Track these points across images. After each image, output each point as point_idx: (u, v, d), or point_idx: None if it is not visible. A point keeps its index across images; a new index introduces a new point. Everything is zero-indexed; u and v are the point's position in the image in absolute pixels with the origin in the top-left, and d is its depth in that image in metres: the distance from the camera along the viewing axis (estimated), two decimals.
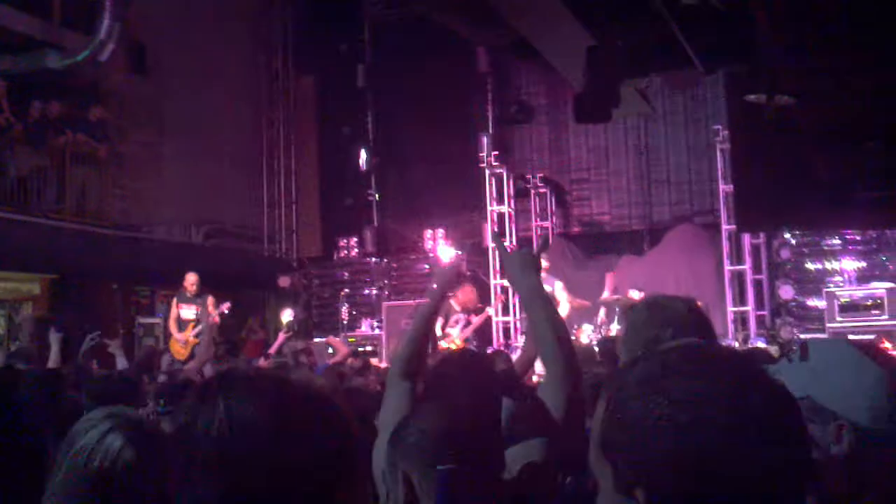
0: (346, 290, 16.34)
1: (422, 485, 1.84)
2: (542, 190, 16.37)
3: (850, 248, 13.27)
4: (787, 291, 13.41)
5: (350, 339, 14.32)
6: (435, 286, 3.11)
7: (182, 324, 11.80)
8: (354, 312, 16.17)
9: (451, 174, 16.03)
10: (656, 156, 15.87)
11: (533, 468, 2.31)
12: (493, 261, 15.19)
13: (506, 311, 15.00)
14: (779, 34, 7.17)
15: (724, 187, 13.56)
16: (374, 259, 16.78)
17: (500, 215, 15.67)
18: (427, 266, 16.25)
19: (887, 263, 13.01)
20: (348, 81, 16.94)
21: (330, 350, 12.08)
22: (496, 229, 15.04)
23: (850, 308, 12.21)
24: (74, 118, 13.42)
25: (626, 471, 1.18)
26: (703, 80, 12.43)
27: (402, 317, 14.16)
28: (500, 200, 15.68)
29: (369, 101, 17.20)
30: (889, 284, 12.26)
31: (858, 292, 12.37)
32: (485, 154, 15.63)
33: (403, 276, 16.51)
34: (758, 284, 13.79)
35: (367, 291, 16.62)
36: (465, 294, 12.38)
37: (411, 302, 14.58)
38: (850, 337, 11.37)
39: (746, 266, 13.72)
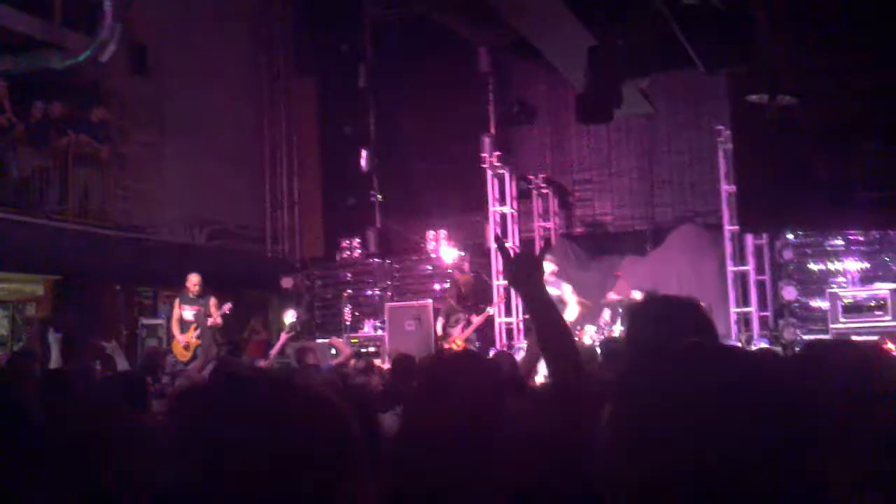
0: (349, 291, 16.33)
1: None
2: (544, 190, 16.36)
3: (854, 248, 13.25)
4: (790, 292, 13.39)
5: (353, 340, 14.32)
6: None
7: (184, 325, 11.82)
8: (357, 313, 16.17)
9: (453, 175, 16.03)
10: (659, 156, 15.86)
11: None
12: (496, 261, 15.19)
13: (508, 312, 14.99)
14: (779, 34, 7.18)
15: (726, 188, 13.55)
16: (376, 260, 16.78)
17: (503, 216, 15.67)
18: (430, 267, 16.26)
19: (890, 264, 12.98)
20: (350, 82, 16.95)
21: (333, 351, 12.10)
22: (498, 232, 15.04)
23: (854, 309, 12.20)
24: (76, 119, 13.43)
25: (636, 476, 1.18)
26: (705, 80, 12.43)
27: (404, 318, 14.19)
28: (503, 201, 15.68)
29: (371, 101, 17.20)
30: (892, 285, 12.25)
31: (862, 293, 12.35)
32: (487, 154, 15.62)
33: (406, 276, 16.50)
34: (761, 285, 13.78)
35: (369, 292, 16.62)
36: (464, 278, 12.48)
37: (414, 303, 14.60)
38: (854, 338, 11.37)
39: (749, 267, 13.71)
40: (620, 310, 12.35)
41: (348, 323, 15.94)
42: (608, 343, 7.99)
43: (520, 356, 10.94)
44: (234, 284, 14.36)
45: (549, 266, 11.19)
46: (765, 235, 13.67)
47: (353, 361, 9.70)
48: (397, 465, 2.03)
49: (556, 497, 1.95)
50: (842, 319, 12.21)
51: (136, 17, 13.38)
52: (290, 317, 14.28)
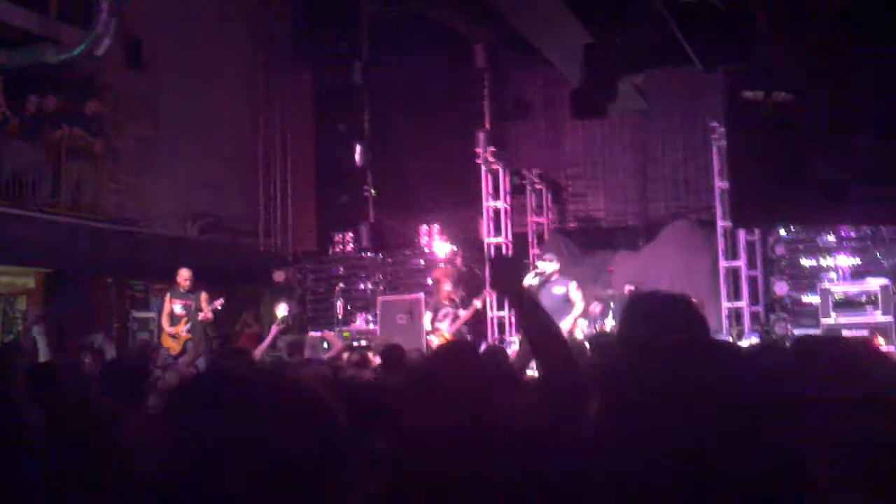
0: (341, 285, 16.32)
1: None
2: (538, 186, 16.38)
3: (845, 244, 13.29)
4: (781, 287, 13.43)
5: (344, 334, 14.31)
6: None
7: (175, 319, 11.81)
8: (349, 307, 16.16)
9: (447, 170, 16.03)
10: (652, 152, 15.88)
11: None
12: (489, 256, 15.19)
13: (500, 306, 15.00)
14: (777, 32, 7.19)
15: (719, 183, 13.58)
16: (369, 254, 16.77)
17: (496, 211, 15.68)
18: (422, 261, 16.25)
19: (881, 260, 13.03)
20: (345, 78, 16.93)
21: (325, 345, 12.10)
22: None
23: (845, 304, 12.23)
24: (70, 112, 13.39)
25: (621, 470, 1.18)
26: (699, 76, 12.44)
27: (396, 311, 14.18)
28: (496, 196, 15.69)
29: (366, 97, 17.19)
30: (883, 281, 12.29)
31: (853, 288, 12.39)
32: (481, 150, 15.62)
33: (398, 271, 16.50)
34: (752, 280, 13.82)
35: (361, 286, 16.61)
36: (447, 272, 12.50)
37: (405, 296, 14.59)
38: (844, 333, 11.41)
39: (741, 262, 13.74)
40: (612, 304, 12.39)
41: (340, 317, 15.93)
42: (598, 337, 8.01)
43: (511, 349, 10.97)
44: (226, 278, 14.35)
45: (552, 265, 11.21)
46: (757, 231, 13.70)
47: (346, 355, 9.69)
48: (391, 461, 2.03)
49: (551, 490, 1.96)
50: (832, 314, 12.24)
51: (132, 11, 13.35)
52: (282, 310, 14.28)
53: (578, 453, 1.38)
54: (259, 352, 9.63)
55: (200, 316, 11.75)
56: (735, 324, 13.62)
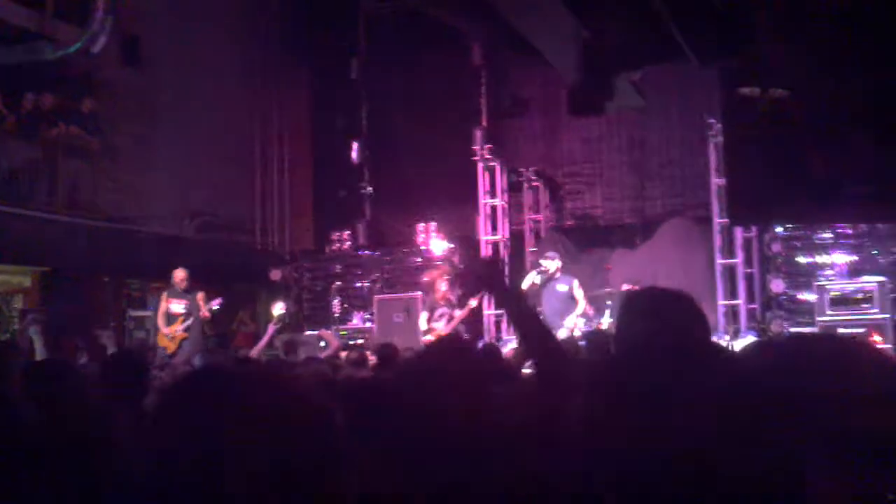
0: (338, 283, 16.31)
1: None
2: (535, 183, 16.38)
3: (842, 242, 13.30)
4: (777, 285, 13.44)
5: (342, 333, 14.31)
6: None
7: (171, 318, 11.79)
8: (346, 305, 16.16)
9: (444, 167, 16.02)
10: (649, 149, 15.88)
11: None
12: (485, 253, 15.20)
13: (498, 305, 15.00)
14: (775, 30, 7.19)
15: (716, 181, 13.58)
16: (366, 252, 16.77)
17: (493, 208, 15.68)
18: (420, 259, 16.25)
19: (878, 257, 13.04)
20: (342, 74, 16.92)
21: (322, 343, 12.09)
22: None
23: (841, 302, 12.24)
24: (67, 110, 13.38)
25: (615, 476, 1.18)
26: (696, 73, 12.45)
27: (393, 310, 14.17)
28: (493, 194, 15.70)
29: (363, 94, 17.19)
30: (880, 278, 12.30)
31: (849, 286, 12.40)
32: (478, 147, 15.62)
33: (396, 269, 16.49)
34: (749, 278, 13.82)
35: (358, 284, 16.60)
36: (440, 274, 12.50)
37: (402, 295, 14.58)
38: (840, 331, 11.43)
39: (738, 259, 13.75)
40: (608, 302, 12.39)
41: (337, 315, 15.93)
42: (592, 335, 8.00)
43: (507, 348, 10.97)
44: (223, 276, 14.34)
45: (555, 263, 11.23)
46: (754, 228, 13.70)
47: (344, 353, 9.69)
48: (387, 458, 2.03)
49: (547, 488, 1.96)
50: (829, 312, 12.25)
51: (128, 8, 13.34)
52: (278, 309, 14.25)
53: (572, 451, 1.37)
54: (256, 351, 9.63)
55: (198, 313, 11.75)
56: (732, 321, 13.62)
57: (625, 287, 11.89)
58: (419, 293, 14.20)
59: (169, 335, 11.70)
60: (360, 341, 14.00)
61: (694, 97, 14.38)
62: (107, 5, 12.26)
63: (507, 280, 2.92)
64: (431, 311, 12.08)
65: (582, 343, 7.90)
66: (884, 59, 6.88)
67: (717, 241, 13.81)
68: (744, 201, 10.20)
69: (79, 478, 2.29)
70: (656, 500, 1.15)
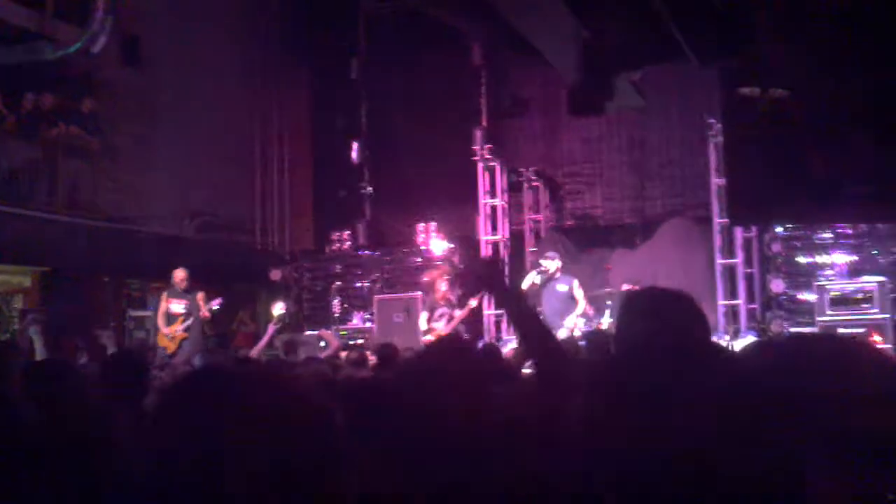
0: (338, 283, 16.32)
1: None
2: (535, 183, 16.38)
3: (842, 242, 13.30)
4: (777, 285, 13.44)
5: (342, 333, 14.31)
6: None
7: (171, 318, 11.79)
8: (346, 305, 16.16)
9: (444, 167, 16.02)
10: (649, 149, 15.88)
11: None
12: (485, 253, 15.20)
13: (498, 305, 15.02)
14: (776, 30, 7.19)
15: (716, 181, 13.58)
16: (366, 252, 16.78)
17: (493, 208, 15.68)
18: (420, 259, 16.25)
19: (878, 258, 13.04)
20: (342, 74, 16.93)
21: (322, 343, 12.08)
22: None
23: (841, 302, 12.24)
24: (67, 110, 13.38)
25: (615, 475, 1.18)
26: (696, 73, 12.45)
27: (393, 310, 14.17)
28: (493, 194, 15.70)
29: (363, 93, 17.19)
30: (880, 278, 12.30)
31: (849, 286, 12.40)
32: (478, 147, 15.62)
33: (396, 269, 16.49)
34: (749, 278, 13.82)
35: (358, 284, 16.60)
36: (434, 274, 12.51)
37: (402, 295, 14.58)
38: (840, 331, 11.43)
39: (738, 259, 13.74)
40: (608, 302, 12.39)
41: (337, 315, 15.93)
42: (592, 335, 8.01)
43: (507, 348, 10.97)
44: (223, 276, 14.34)
45: (555, 263, 11.25)
46: (754, 228, 13.70)
47: (344, 353, 9.68)
48: (387, 458, 2.03)
49: (547, 487, 1.96)
50: (829, 312, 12.26)
51: (128, 8, 13.34)
52: (278, 309, 14.24)
53: (572, 451, 1.37)
54: (256, 351, 9.63)
55: (198, 313, 11.75)
56: (732, 321, 13.62)
57: (625, 287, 11.89)
58: (419, 293, 14.20)
59: (169, 335, 11.70)
60: (360, 341, 14.00)
61: (694, 97, 14.39)
62: (107, 5, 12.26)
63: (506, 280, 2.93)
64: (431, 311, 12.09)
65: (582, 343, 7.90)
66: (884, 59, 6.88)
67: (717, 241, 13.81)
68: (744, 201, 10.20)
69: (79, 478, 2.29)
70: (656, 500, 1.15)
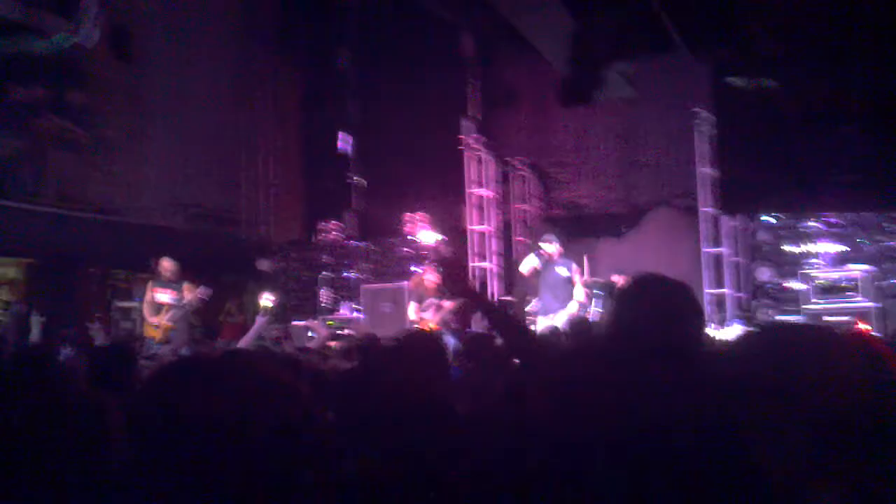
0: (326, 273, 16.31)
1: None
2: (523, 173, 16.39)
3: (828, 230, 13.37)
4: (764, 273, 13.50)
5: (329, 322, 14.31)
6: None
7: (157, 308, 11.76)
8: (334, 295, 16.16)
9: (432, 157, 16.00)
10: (636, 139, 15.90)
11: None
12: (473, 244, 15.24)
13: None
14: (764, 19, 7.23)
15: (702, 170, 13.61)
16: (354, 242, 16.78)
17: (482, 199, 15.69)
18: (406, 249, 16.26)
19: (864, 246, 13.11)
20: (331, 65, 16.89)
21: (310, 333, 12.08)
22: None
23: (827, 290, 12.32)
24: (56, 102, 13.32)
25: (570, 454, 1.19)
26: (683, 63, 12.46)
27: (380, 300, 14.18)
28: (482, 184, 15.69)
29: (352, 84, 17.15)
30: (865, 267, 12.37)
31: (835, 274, 12.47)
32: (466, 137, 15.61)
33: (384, 259, 16.50)
34: (736, 267, 13.87)
35: (346, 274, 16.60)
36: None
37: (390, 284, 14.59)
38: (826, 319, 11.50)
39: (725, 248, 13.79)
40: (595, 290, 12.41)
41: (324, 305, 15.93)
42: (574, 323, 8.03)
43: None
44: (211, 267, 14.30)
45: (553, 246, 11.28)
46: (740, 217, 13.76)
47: (332, 343, 9.69)
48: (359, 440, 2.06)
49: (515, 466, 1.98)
50: (815, 300, 12.33)
51: (118, 0, 13.26)
52: (266, 300, 14.22)
53: (535, 433, 1.39)
54: (245, 342, 9.62)
55: (185, 303, 11.73)
56: (718, 310, 13.67)
57: (614, 278, 11.92)
58: (406, 283, 14.22)
59: (155, 325, 11.67)
60: (347, 331, 14.01)
61: (680, 87, 14.39)
62: None
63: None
64: (420, 301, 12.09)
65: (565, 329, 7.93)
66: (873, 50, 6.92)
67: (704, 229, 13.85)
68: (736, 191, 10.25)
69: (67, 468, 2.29)
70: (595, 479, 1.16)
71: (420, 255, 16.02)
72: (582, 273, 11.62)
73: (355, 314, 15.05)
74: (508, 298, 15.14)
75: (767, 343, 1.70)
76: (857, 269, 12.36)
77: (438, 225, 16.14)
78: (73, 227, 12.97)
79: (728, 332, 11.70)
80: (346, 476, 1.98)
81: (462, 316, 12.96)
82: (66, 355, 8.50)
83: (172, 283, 11.78)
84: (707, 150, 13.50)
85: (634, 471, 1.14)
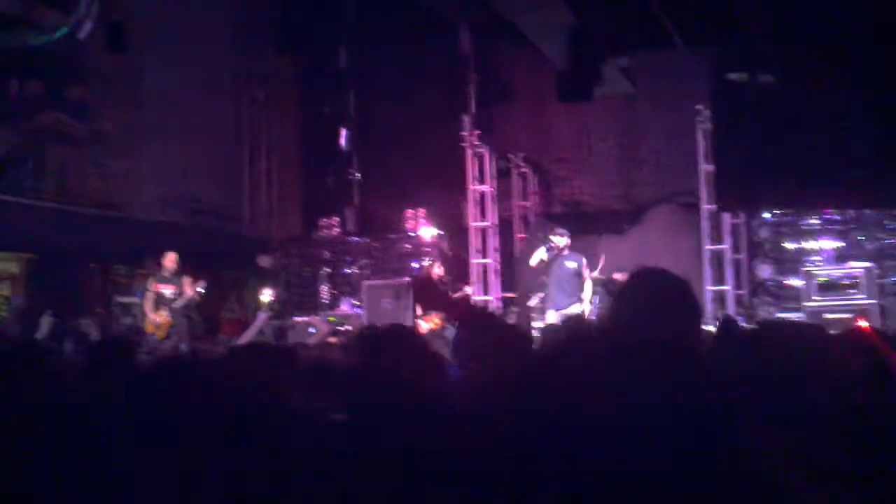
0: (327, 270, 16.32)
1: None
2: (523, 170, 16.39)
3: (829, 227, 13.36)
4: (764, 270, 13.49)
5: (330, 319, 14.31)
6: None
7: (158, 303, 11.80)
8: (335, 292, 16.17)
9: (432, 154, 15.99)
10: (638, 136, 15.88)
11: None
12: (474, 240, 15.23)
13: (486, 291, 15.08)
14: (761, 15, 7.22)
15: (704, 167, 13.60)
16: (354, 238, 16.78)
17: (482, 195, 15.67)
18: (408, 245, 16.28)
19: (865, 243, 13.10)
20: (330, 61, 16.87)
21: (311, 329, 12.10)
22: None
23: (828, 287, 12.30)
24: (54, 97, 13.32)
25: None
26: (684, 59, 12.45)
27: (381, 296, 14.18)
28: (482, 180, 15.67)
29: (351, 80, 17.14)
30: (866, 264, 12.36)
31: (836, 272, 12.45)
32: (466, 133, 15.60)
33: (384, 255, 16.50)
34: (737, 264, 13.86)
35: (347, 270, 16.61)
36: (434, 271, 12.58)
37: (391, 280, 14.59)
38: (826, 316, 11.49)
39: (726, 245, 13.78)
40: (598, 287, 12.41)
41: (325, 301, 15.94)
42: (570, 319, 8.05)
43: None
44: (211, 263, 14.32)
45: (563, 240, 11.31)
46: (742, 214, 13.75)
47: (333, 339, 9.70)
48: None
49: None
50: (816, 297, 12.30)
51: None
52: (267, 296, 14.27)
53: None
54: (246, 338, 9.64)
55: (185, 298, 11.77)
56: (719, 307, 13.66)
57: (616, 276, 11.92)
58: (408, 279, 14.23)
59: (156, 322, 11.70)
60: (348, 328, 14.01)
61: (682, 84, 14.37)
62: None
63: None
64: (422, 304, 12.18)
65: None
66: (872, 44, 6.90)
67: (705, 227, 13.84)
68: (732, 188, 10.23)
69: (59, 461, 2.29)
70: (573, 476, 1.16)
71: (420, 252, 16.03)
72: (590, 269, 11.65)
73: (356, 310, 15.05)
74: (510, 295, 15.17)
75: (765, 340, 1.70)
76: (857, 267, 12.34)
77: (439, 221, 16.15)
78: (74, 222, 12.97)
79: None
80: (346, 476, 1.98)
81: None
82: (67, 350, 8.52)
83: (173, 278, 11.83)
84: (708, 148, 13.48)
85: (628, 466, 1.13)
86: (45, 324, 7.83)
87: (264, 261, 16.52)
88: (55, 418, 2.21)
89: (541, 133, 16.68)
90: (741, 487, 1.12)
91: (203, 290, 11.97)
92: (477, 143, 15.54)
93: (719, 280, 13.77)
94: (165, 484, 1.28)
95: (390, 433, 1.96)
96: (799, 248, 13.48)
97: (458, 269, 14.75)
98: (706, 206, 13.72)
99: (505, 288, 15.38)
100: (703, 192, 13.72)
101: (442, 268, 13.59)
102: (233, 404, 1.30)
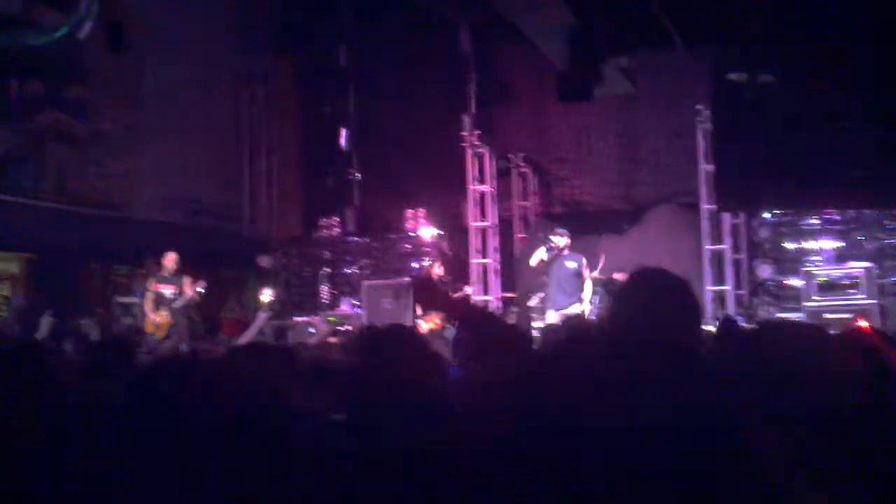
0: (327, 270, 16.32)
1: None
2: (523, 170, 16.39)
3: (829, 227, 13.35)
4: (764, 270, 13.49)
5: (330, 319, 14.31)
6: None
7: (158, 303, 11.81)
8: (335, 292, 16.17)
9: (432, 154, 15.99)
10: (638, 136, 15.88)
11: None
12: (474, 240, 15.23)
13: (486, 291, 15.08)
14: (761, 15, 7.22)
15: (704, 167, 13.60)
16: (354, 238, 16.78)
17: (482, 195, 15.67)
18: (408, 245, 16.28)
19: (865, 243, 13.09)
20: (330, 61, 16.87)
21: (311, 329, 12.10)
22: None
23: (828, 287, 12.29)
24: (54, 97, 13.32)
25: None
26: (684, 59, 12.44)
27: (381, 296, 14.18)
28: (482, 180, 15.68)
29: (350, 80, 17.14)
30: (866, 264, 12.35)
31: (836, 272, 12.44)
32: (466, 133, 15.60)
33: (384, 255, 16.50)
34: (737, 264, 13.86)
35: (347, 270, 16.61)
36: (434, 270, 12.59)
37: (391, 281, 14.59)
38: (827, 316, 11.49)
39: (726, 246, 13.78)
40: (598, 287, 12.41)
41: (325, 301, 15.93)
42: (570, 319, 8.05)
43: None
44: (211, 263, 14.32)
45: (563, 240, 11.33)
46: (742, 214, 13.75)
47: (333, 339, 9.70)
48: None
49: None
50: (816, 298, 12.30)
51: None
52: (267, 296, 14.27)
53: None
54: (246, 338, 9.64)
55: (185, 298, 11.78)
56: (719, 307, 13.66)
57: (616, 276, 11.93)
58: (408, 279, 14.23)
59: (155, 322, 11.71)
60: (348, 328, 14.01)
61: (682, 84, 14.37)
62: None
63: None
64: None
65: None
66: (872, 44, 6.91)
67: (705, 227, 13.84)
68: (732, 188, 10.23)
69: (63, 462, 2.29)
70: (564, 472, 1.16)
71: (420, 252, 16.03)
72: (590, 269, 11.66)
73: (356, 310, 15.05)
74: (510, 295, 15.17)
75: (765, 340, 1.69)
76: (857, 267, 12.33)
77: (438, 221, 16.15)
78: (74, 222, 12.97)
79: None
80: (345, 476, 1.98)
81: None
82: (67, 350, 8.53)
83: (173, 278, 11.85)
84: (708, 148, 13.48)
85: (629, 466, 1.13)
86: (45, 324, 7.86)
87: (264, 261, 16.52)
88: (55, 418, 2.21)
89: (541, 133, 16.68)
90: (741, 487, 1.12)
91: (203, 290, 11.98)
92: (477, 143, 15.54)
93: (719, 280, 13.78)
94: (165, 484, 1.28)
95: (390, 433, 1.96)
96: (799, 248, 13.47)
97: (458, 269, 14.75)
98: (706, 206, 13.72)
99: (505, 288, 15.38)
100: (703, 192, 13.72)
101: (442, 268, 13.59)
102: (233, 404, 1.30)
